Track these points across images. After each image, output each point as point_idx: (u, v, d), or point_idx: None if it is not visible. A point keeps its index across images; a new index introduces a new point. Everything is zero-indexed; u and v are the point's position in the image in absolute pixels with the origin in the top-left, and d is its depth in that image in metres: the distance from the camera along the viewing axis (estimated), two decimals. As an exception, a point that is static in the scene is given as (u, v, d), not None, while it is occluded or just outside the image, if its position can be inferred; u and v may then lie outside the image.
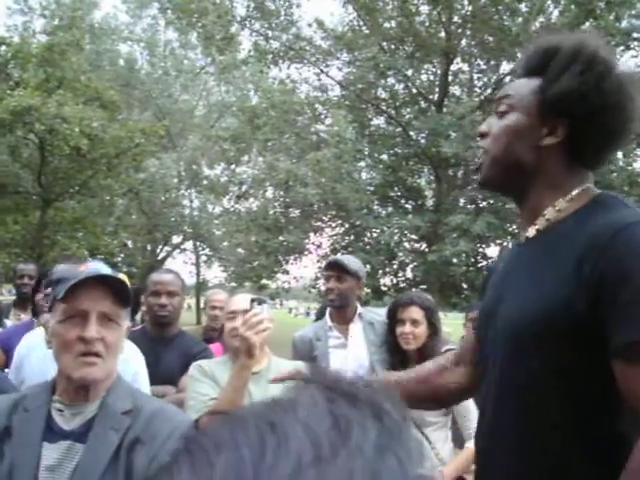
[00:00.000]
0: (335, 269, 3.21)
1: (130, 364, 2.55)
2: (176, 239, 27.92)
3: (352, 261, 3.28)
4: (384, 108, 16.12)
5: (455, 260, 13.13)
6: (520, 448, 1.28)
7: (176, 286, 3.14)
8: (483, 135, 1.40)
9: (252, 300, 2.24)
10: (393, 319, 3.06)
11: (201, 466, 0.32)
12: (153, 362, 2.78)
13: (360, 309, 3.27)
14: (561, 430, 1.24)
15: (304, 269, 18.84)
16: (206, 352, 3.03)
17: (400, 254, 14.88)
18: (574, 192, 1.34)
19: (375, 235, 15.10)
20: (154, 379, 2.71)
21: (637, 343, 1.12)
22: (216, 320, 3.85)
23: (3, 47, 14.04)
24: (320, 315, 3.64)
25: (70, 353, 1.39)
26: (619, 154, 15.05)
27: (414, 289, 14.49)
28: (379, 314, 3.31)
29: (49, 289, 2.28)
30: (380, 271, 15.75)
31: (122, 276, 1.60)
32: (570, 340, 1.21)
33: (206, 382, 2.36)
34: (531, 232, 1.37)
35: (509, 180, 1.37)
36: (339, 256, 3.46)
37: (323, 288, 3.38)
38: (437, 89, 15.91)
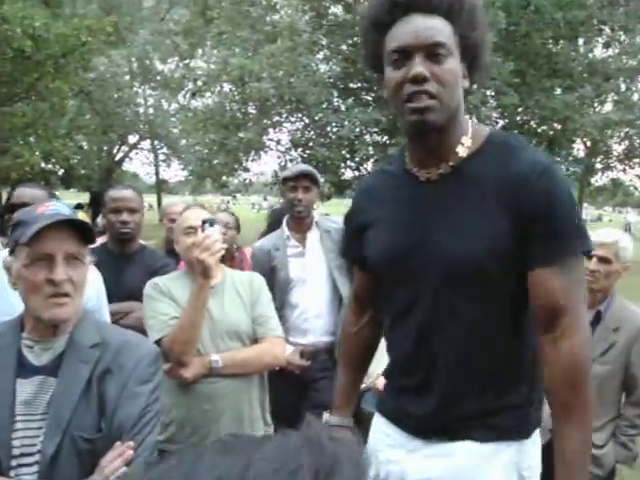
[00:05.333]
0: (305, 179, 3.18)
1: (90, 283, 2.58)
2: (132, 139, 27.25)
3: (314, 170, 3.29)
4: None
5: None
6: (461, 372, 1.44)
7: (136, 202, 3.11)
8: (424, 79, 1.33)
9: (204, 222, 2.27)
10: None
11: None
12: (116, 278, 2.79)
13: (316, 217, 3.33)
14: (503, 354, 1.43)
15: (265, 165, 18.71)
16: (169, 266, 3.03)
17: (361, 148, 14.85)
18: (470, 129, 1.45)
19: (335, 129, 14.98)
20: (118, 295, 2.73)
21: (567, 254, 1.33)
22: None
23: None
24: (274, 224, 3.65)
25: (39, 295, 1.43)
26: (580, 41, 14.92)
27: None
28: (335, 222, 3.38)
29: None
30: (342, 165, 15.76)
31: (82, 215, 1.63)
32: (508, 269, 1.37)
33: (164, 300, 2.38)
34: (445, 169, 1.44)
35: (447, 124, 1.40)
36: (306, 166, 3.36)
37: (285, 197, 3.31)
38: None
